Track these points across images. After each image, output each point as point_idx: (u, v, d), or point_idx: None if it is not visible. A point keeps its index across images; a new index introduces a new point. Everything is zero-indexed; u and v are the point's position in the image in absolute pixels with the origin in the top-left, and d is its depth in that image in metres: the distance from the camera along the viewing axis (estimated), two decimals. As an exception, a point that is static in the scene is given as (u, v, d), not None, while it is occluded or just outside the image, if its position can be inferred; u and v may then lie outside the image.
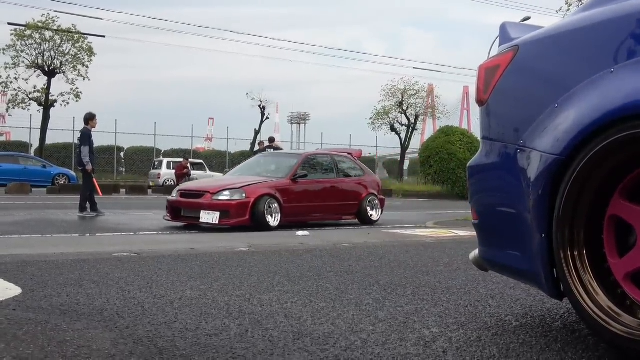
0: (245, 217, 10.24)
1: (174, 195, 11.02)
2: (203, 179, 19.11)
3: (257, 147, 24.21)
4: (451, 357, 2.42)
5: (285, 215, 10.75)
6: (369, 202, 12.21)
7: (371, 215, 12.20)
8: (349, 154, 13.31)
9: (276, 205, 10.58)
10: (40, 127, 30.13)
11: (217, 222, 10.11)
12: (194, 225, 10.53)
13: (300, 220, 11.34)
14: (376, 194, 12.48)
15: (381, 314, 3.20)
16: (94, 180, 13.19)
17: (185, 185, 11.90)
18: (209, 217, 10.20)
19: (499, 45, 2.91)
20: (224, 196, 10.38)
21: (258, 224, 10.28)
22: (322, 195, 11.72)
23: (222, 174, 20.05)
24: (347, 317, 3.11)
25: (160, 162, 32.08)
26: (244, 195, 10.41)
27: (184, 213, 10.63)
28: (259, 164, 12.60)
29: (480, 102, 2.88)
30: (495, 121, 2.83)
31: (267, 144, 21.37)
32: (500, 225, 2.72)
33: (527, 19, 34.66)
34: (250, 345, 2.57)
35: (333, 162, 12.38)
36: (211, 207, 10.25)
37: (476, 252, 2.98)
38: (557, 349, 2.55)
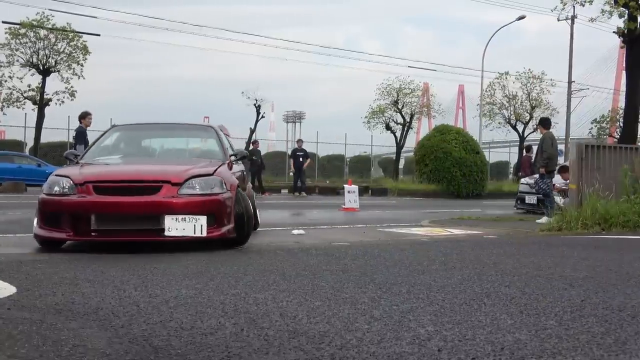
0: (231, 223, 6.19)
1: (67, 190, 5.95)
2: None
3: (251, 147, 24.25)
4: (446, 355, 2.43)
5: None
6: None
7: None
8: None
9: None
10: (34, 125, 30.03)
11: (203, 234, 5.89)
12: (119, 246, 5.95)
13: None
14: None
15: (376, 313, 3.20)
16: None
17: (98, 172, 6.26)
18: (185, 226, 5.81)
19: None
20: (199, 189, 6.03)
21: (245, 237, 6.45)
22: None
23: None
24: (342, 316, 3.12)
25: (155, 161, 31.89)
26: (225, 186, 6.21)
27: (99, 225, 5.83)
28: (136, 141, 7.92)
29: None
30: None
31: (260, 143, 21.61)
32: None
33: (522, 17, 34.86)
34: (246, 344, 2.57)
35: (229, 144, 8.32)
36: (185, 209, 5.86)
37: None
38: (550, 347, 2.56)
